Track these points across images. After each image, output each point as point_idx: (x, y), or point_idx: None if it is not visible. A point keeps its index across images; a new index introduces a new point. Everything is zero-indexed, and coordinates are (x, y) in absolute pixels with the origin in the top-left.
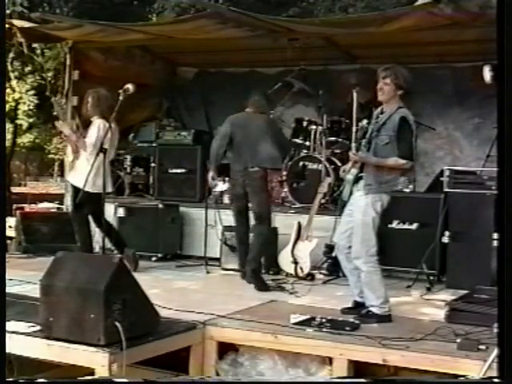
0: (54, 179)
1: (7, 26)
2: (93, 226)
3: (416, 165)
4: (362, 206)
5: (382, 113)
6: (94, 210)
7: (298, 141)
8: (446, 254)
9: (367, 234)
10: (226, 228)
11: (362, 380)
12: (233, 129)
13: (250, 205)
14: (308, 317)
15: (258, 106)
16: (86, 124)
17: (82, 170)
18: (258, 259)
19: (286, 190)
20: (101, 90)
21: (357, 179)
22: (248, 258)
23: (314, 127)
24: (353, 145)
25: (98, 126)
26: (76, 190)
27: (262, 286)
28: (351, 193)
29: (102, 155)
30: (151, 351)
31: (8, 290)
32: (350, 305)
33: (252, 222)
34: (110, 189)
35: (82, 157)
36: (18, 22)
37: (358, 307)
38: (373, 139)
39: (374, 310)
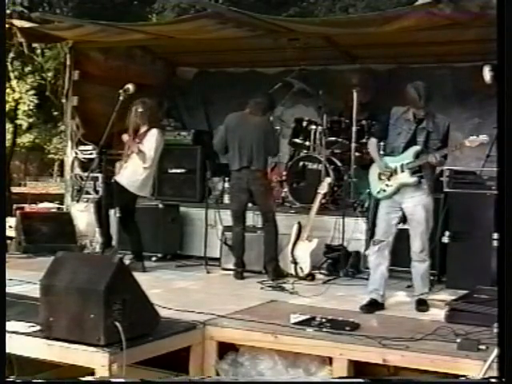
0: (54, 179)
1: (7, 25)
2: (91, 226)
3: None
4: (426, 203)
5: (416, 117)
6: (129, 211)
7: (298, 141)
8: (446, 254)
9: (429, 228)
10: (226, 228)
11: (362, 380)
12: (227, 128)
13: (249, 204)
14: (308, 317)
15: (255, 108)
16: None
17: (133, 173)
18: (276, 257)
19: (285, 190)
20: (147, 99)
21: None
22: (267, 258)
23: (313, 127)
24: (370, 140)
25: (156, 137)
26: (111, 189)
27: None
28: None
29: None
30: (151, 351)
31: (8, 290)
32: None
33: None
34: (148, 194)
35: (134, 160)
36: (17, 22)
37: (377, 305)
38: (420, 143)
39: (424, 297)
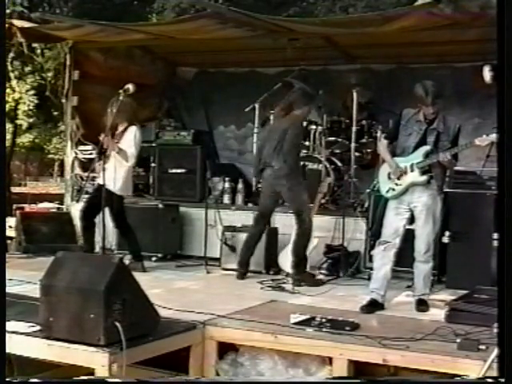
0: (54, 179)
1: (7, 25)
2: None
3: None
4: (435, 204)
5: (426, 118)
6: (118, 212)
7: None
8: (446, 253)
9: (436, 229)
10: (226, 228)
11: (362, 380)
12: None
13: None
14: (308, 317)
15: (278, 112)
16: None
17: (115, 174)
18: (306, 261)
19: None
20: (122, 97)
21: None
22: (295, 261)
23: (313, 127)
24: (385, 141)
25: (134, 134)
26: (98, 190)
27: (317, 281)
28: (405, 191)
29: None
30: (151, 351)
31: (8, 290)
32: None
33: (266, 223)
34: (130, 192)
35: (114, 161)
36: (18, 22)
37: (377, 305)
38: (430, 143)
39: (425, 298)
